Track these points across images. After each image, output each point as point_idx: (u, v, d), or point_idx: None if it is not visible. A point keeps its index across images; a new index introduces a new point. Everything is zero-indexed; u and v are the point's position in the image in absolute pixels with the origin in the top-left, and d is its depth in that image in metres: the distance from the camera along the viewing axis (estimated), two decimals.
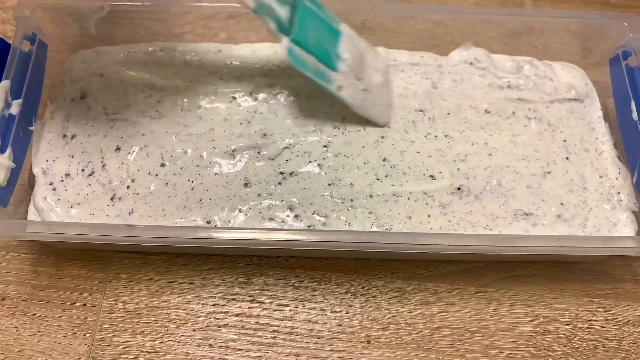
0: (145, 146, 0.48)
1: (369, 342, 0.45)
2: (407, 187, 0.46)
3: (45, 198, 0.45)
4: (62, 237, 0.42)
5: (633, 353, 0.45)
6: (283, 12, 0.44)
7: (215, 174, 0.47)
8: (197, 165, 0.47)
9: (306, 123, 0.49)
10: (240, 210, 0.45)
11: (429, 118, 0.50)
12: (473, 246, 0.41)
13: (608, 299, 0.47)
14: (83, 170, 0.47)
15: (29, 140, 0.47)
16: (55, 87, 0.51)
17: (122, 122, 0.49)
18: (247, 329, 0.45)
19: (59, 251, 0.47)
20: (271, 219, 0.45)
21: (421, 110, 0.50)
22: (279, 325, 0.45)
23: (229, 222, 0.44)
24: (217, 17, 0.52)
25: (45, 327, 0.45)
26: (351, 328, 0.45)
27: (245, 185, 0.46)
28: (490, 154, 0.48)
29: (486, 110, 0.50)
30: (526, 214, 0.46)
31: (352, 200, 0.45)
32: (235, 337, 0.44)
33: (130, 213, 0.45)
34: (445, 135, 0.49)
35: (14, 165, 0.44)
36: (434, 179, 0.47)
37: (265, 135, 0.48)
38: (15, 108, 0.45)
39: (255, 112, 0.50)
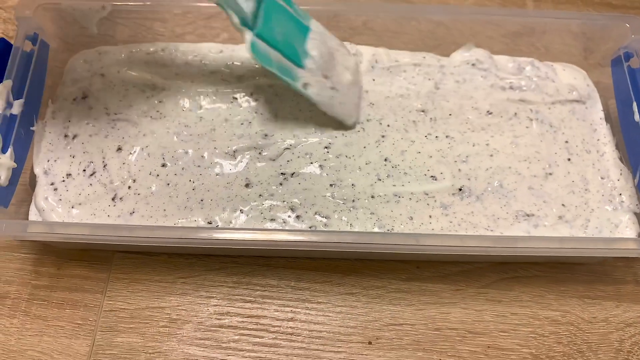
0: (147, 146, 0.48)
1: (370, 342, 0.44)
2: (408, 188, 0.46)
3: (46, 198, 0.45)
4: (63, 237, 0.42)
5: (634, 355, 0.44)
6: (247, 5, 0.43)
7: (217, 175, 0.47)
8: (198, 166, 0.47)
9: (307, 124, 0.49)
10: (241, 211, 0.45)
11: (431, 118, 0.50)
12: (474, 247, 0.41)
13: (609, 300, 0.47)
14: (84, 170, 0.47)
15: (31, 140, 0.47)
16: (56, 87, 0.51)
17: (123, 122, 0.49)
18: (248, 329, 0.45)
19: (60, 251, 0.47)
20: (272, 220, 0.45)
21: (423, 111, 0.50)
22: (280, 326, 0.45)
23: (230, 222, 0.44)
24: (218, 18, 0.52)
25: (46, 327, 0.45)
26: (352, 329, 0.45)
27: (247, 185, 0.46)
28: (491, 155, 0.48)
29: (488, 112, 0.50)
30: (528, 215, 0.45)
31: (353, 201, 0.45)
32: (237, 337, 0.44)
33: (132, 213, 0.45)
34: (447, 136, 0.49)
35: (15, 165, 0.44)
36: (435, 180, 0.47)
37: (266, 135, 0.48)
38: (16, 108, 0.45)
39: (256, 112, 0.50)
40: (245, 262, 0.47)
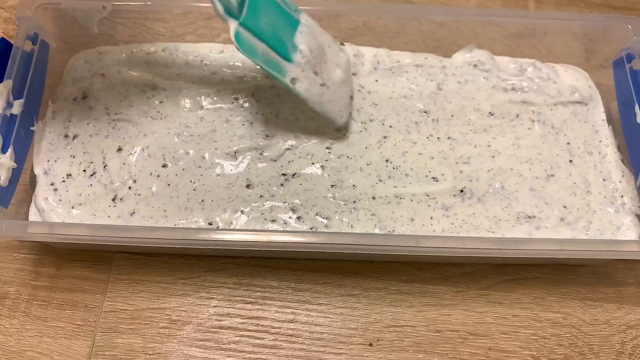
0: (147, 147, 0.47)
1: (370, 344, 0.44)
2: (409, 189, 0.46)
3: (46, 198, 0.45)
4: (63, 238, 0.42)
5: (636, 357, 0.44)
6: None
7: (217, 175, 0.46)
8: (199, 166, 0.47)
9: (309, 124, 0.49)
10: (242, 212, 0.45)
11: (433, 119, 0.49)
12: (476, 249, 0.41)
13: (611, 302, 0.47)
14: (84, 170, 0.47)
15: (31, 140, 0.47)
16: (56, 87, 0.50)
17: (123, 123, 0.49)
18: (248, 330, 0.45)
19: (60, 252, 0.47)
20: (273, 221, 0.44)
21: (425, 112, 0.50)
22: (280, 327, 0.45)
23: (231, 223, 0.44)
24: (219, 18, 0.52)
25: (46, 328, 0.44)
26: (353, 330, 0.45)
27: (248, 186, 0.46)
28: (493, 157, 0.48)
29: (490, 113, 0.50)
30: (529, 217, 0.45)
31: (354, 202, 0.45)
32: (237, 339, 0.44)
33: (132, 214, 0.45)
34: (448, 137, 0.49)
35: (15, 165, 0.44)
36: (437, 181, 0.47)
37: (267, 136, 0.48)
38: (16, 108, 0.44)
39: (257, 113, 0.49)
40: (246, 263, 0.47)
